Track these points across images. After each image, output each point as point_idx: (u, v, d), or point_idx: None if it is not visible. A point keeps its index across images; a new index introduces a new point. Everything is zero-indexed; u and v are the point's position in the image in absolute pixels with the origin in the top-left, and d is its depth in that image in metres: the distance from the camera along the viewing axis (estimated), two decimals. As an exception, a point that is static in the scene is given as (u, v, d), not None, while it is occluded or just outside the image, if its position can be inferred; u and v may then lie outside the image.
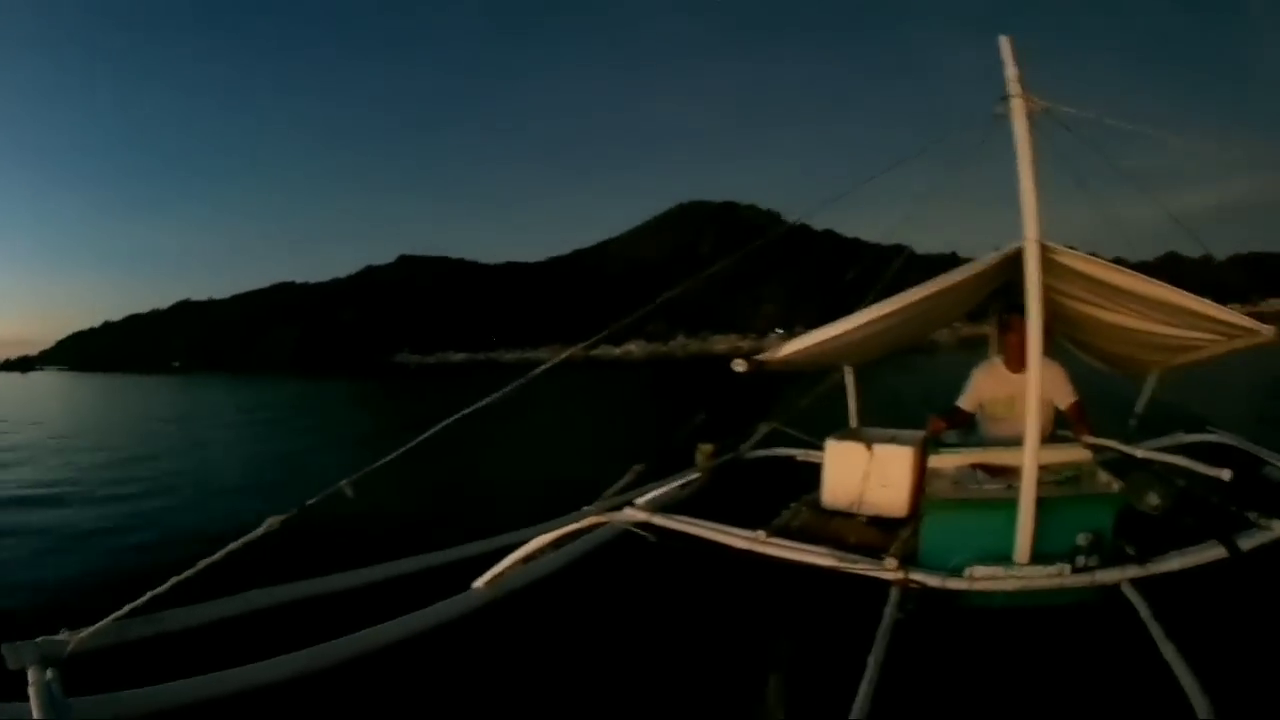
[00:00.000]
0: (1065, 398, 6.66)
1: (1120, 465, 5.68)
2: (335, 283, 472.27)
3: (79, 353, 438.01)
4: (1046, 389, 6.18)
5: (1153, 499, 5.42)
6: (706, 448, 7.59)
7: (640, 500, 6.29)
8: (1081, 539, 4.66)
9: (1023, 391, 5.13)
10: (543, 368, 5.45)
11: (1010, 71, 4.86)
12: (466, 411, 4.98)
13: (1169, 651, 3.77)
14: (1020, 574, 4.60)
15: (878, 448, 6.19)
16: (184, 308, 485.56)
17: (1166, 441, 8.67)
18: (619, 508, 5.65)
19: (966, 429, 7.22)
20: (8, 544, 12.04)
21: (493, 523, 6.14)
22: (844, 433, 6.81)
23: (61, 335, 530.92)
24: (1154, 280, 5.22)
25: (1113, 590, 4.53)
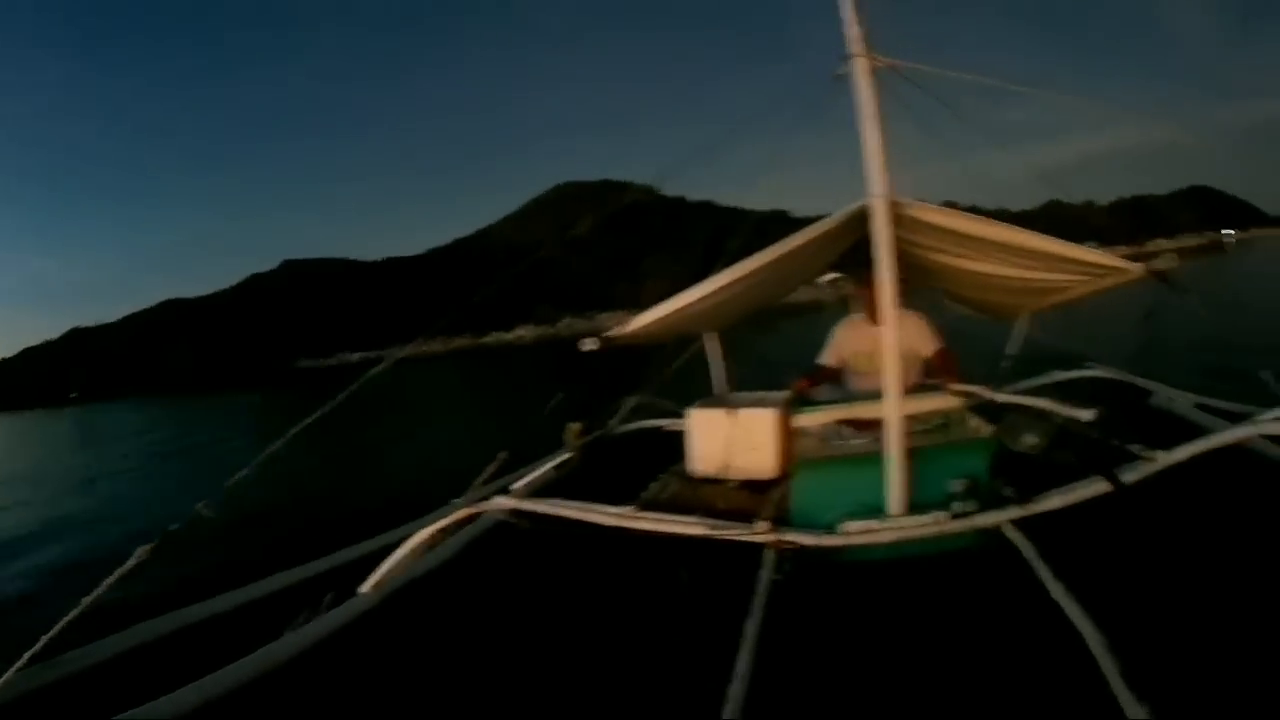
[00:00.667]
0: (928, 346, 6.76)
1: (996, 408, 5.73)
2: (221, 294, 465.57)
3: None
4: (908, 340, 6.31)
5: (1029, 439, 5.36)
6: (574, 426, 7.55)
7: (519, 484, 6.29)
8: (956, 485, 4.68)
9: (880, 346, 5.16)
10: (379, 367, 5.54)
11: (853, 30, 4.81)
12: (311, 419, 4.94)
13: (1057, 590, 3.79)
14: (896, 525, 4.62)
15: (741, 412, 6.17)
16: (76, 335, 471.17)
17: (1043, 380, 8.83)
18: (488, 497, 5.63)
19: (835, 385, 7.23)
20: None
21: (373, 523, 6.04)
22: (707, 400, 6.79)
23: None
24: (1011, 226, 5.30)
25: (996, 533, 4.54)
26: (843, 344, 7.11)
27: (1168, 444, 4.94)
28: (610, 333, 5.96)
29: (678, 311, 5.97)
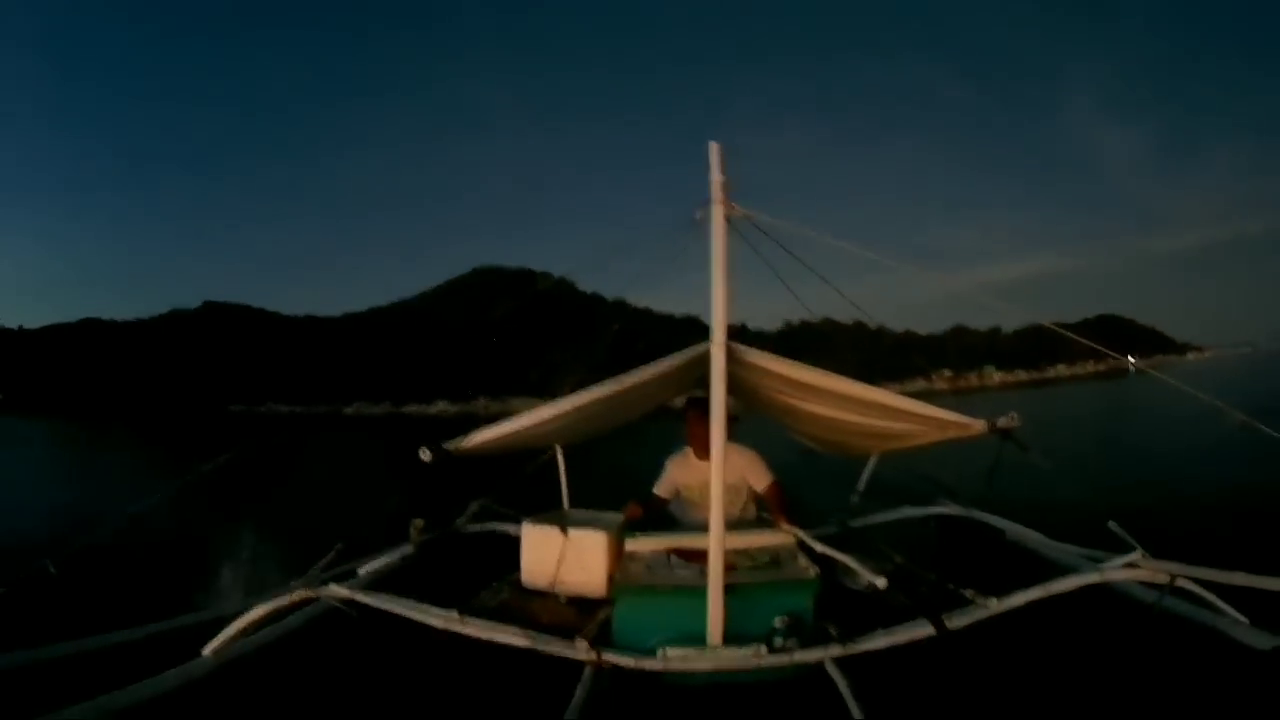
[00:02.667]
0: (760, 480, 6.88)
1: (841, 541, 5.85)
2: (143, 323, 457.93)
3: None
4: (739, 473, 6.62)
5: (862, 579, 5.54)
6: (418, 522, 7.50)
7: (361, 571, 6.39)
8: (778, 622, 4.75)
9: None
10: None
11: (715, 177, 4.96)
12: (184, 480, 5.01)
13: None
14: (714, 655, 4.67)
15: (573, 532, 6.23)
16: None
17: (892, 515, 8.94)
18: (325, 583, 5.60)
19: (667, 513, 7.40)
20: None
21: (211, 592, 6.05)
22: (542, 516, 6.77)
23: None
24: (845, 379, 5.44)
25: (817, 668, 4.55)
26: (675, 475, 7.26)
27: (1013, 582, 5.04)
28: (449, 444, 5.96)
29: (523, 429, 6.06)
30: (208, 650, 4.99)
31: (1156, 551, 5.19)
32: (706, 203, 4.99)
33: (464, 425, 6.11)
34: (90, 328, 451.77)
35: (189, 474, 5.66)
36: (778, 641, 4.69)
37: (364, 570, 6.43)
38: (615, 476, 9.10)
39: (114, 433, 59.87)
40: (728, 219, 4.96)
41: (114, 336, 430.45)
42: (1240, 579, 4.75)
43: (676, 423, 7.44)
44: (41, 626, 5.06)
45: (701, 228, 5.03)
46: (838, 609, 5.16)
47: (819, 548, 5.71)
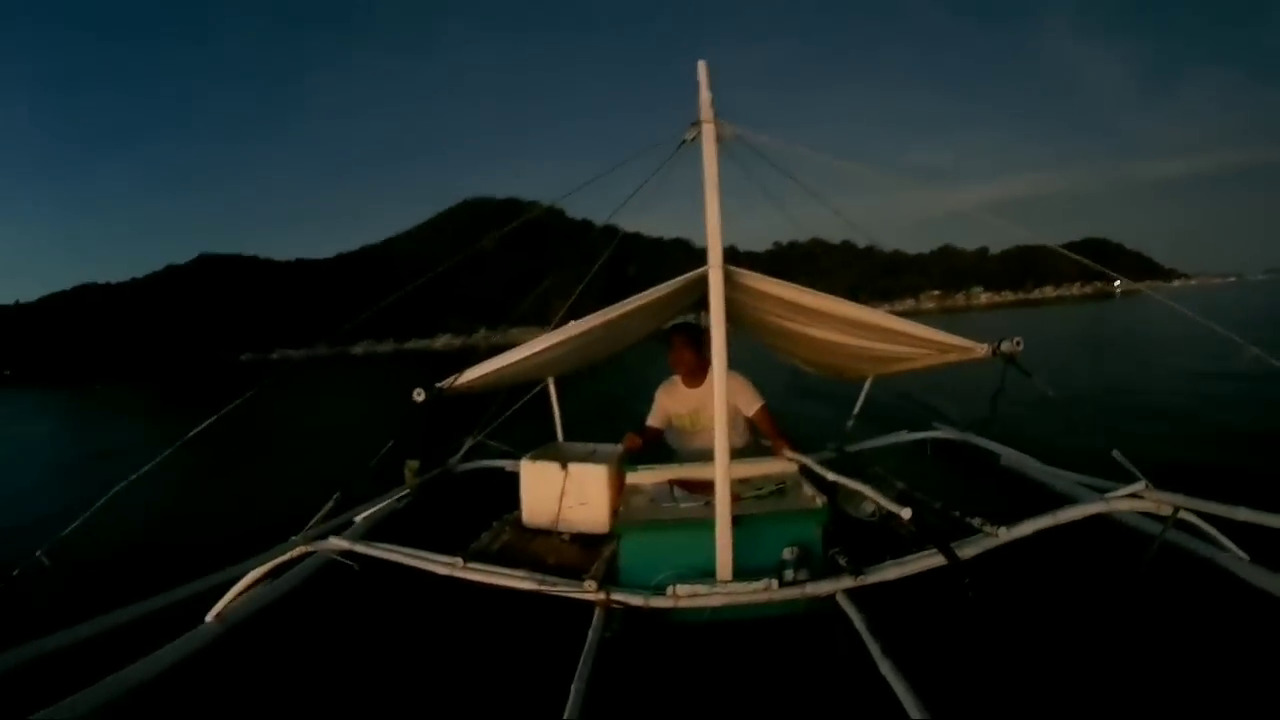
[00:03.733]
0: (749, 406, 6.75)
1: (838, 467, 5.70)
2: (138, 282, 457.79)
3: None
4: (730, 400, 6.26)
5: (868, 506, 5.50)
6: (413, 464, 7.24)
7: (358, 519, 6.27)
8: (787, 553, 4.60)
9: (703, 404, 5.14)
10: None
11: (704, 96, 4.76)
12: (182, 440, 4.93)
13: (883, 663, 3.71)
14: (724, 590, 4.50)
15: (573, 466, 6.09)
16: None
17: (890, 440, 8.90)
18: (324, 536, 5.47)
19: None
20: None
21: (219, 552, 5.93)
22: (540, 451, 6.68)
23: None
24: (845, 301, 5.30)
25: (828, 601, 4.46)
26: (665, 405, 7.11)
27: (1014, 510, 4.90)
28: (442, 383, 5.79)
29: (516, 363, 5.89)
30: (211, 615, 4.90)
31: (1159, 483, 5.06)
32: (696, 123, 4.78)
33: (467, 358, 5.96)
34: (87, 293, 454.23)
35: (182, 438, 5.48)
36: (788, 574, 4.55)
37: (361, 518, 6.32)
38: (603, 404, 8.95)
39: (122, 396, 59.24)
40: (719, 139, 4.74)
41: (111, 299, 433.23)
42: (1244, 514, 4.65)
43: (658, 346, 7.29)
44: (42, 618, 4.92)
45: (691, 149, 4.83)
46: (843, 538, 4.99)
47: (829, 475, 5.53)
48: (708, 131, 4.72)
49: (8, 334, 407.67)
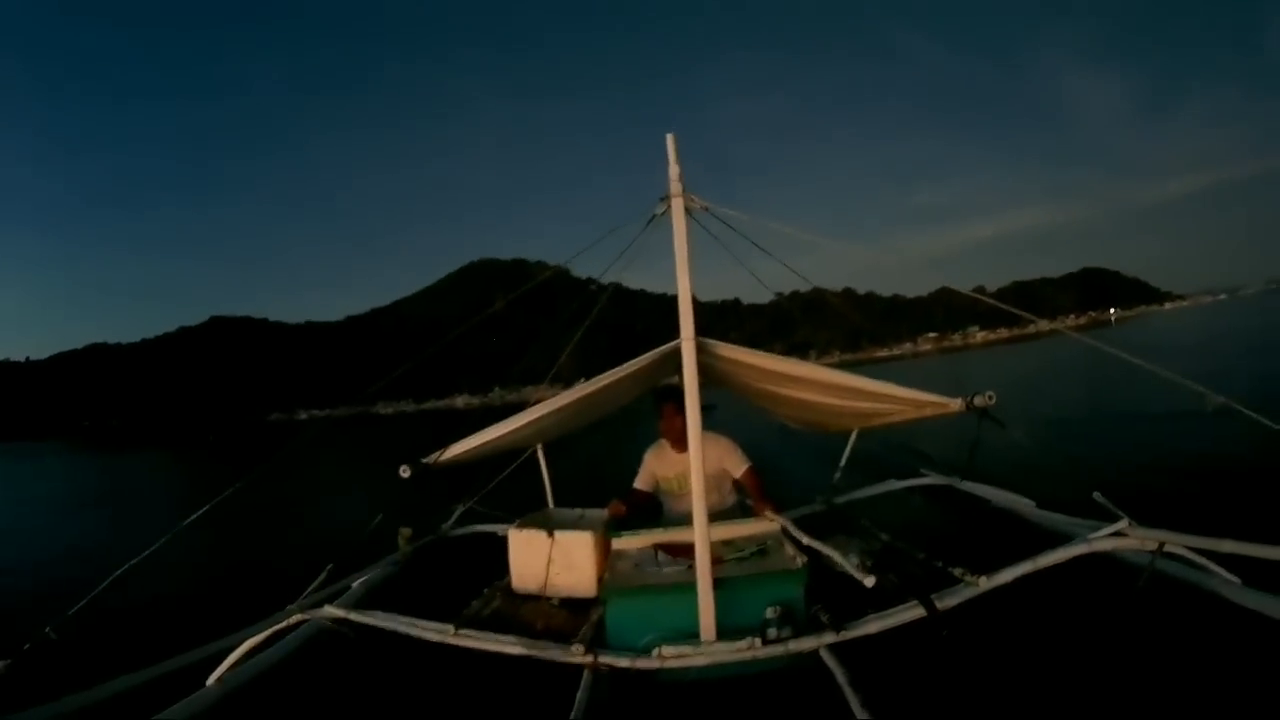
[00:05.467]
0: (737, 468, 6.72)
1: (825, 519, 5.69)
2: (146, 343, 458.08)
3: None
4: (717, 462, 6.47)
5: (853, 559, 5.34)
6: (406, 531, 7.42)
7: (354, 585, 6.25)
8: (770, 612, 4.58)
9: (688, 468, 5.15)
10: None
11: (672, 170, 4.82)
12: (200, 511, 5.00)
13: (864, 717, 3.69)
14: (708, 650, 4.51)
15: (559, 534, 6.09)
16: (2, 368, 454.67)
17: (878, 489, 8.85)
18: (319, 604, 5.52)
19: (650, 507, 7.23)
20: None
21: (216, 623, 5.93)
22: (528, 518, 6.67)
23: None
24: (816, 366, 5.53)
25: (811, 657, 4.44)
26: (653, 468, 7.09)
27: (1000, 553, 4.90)
28: (428, 458, 5.85)
29: (500, 437, 5.95)
30: (211, 680, 4.87)
31: (1141, 517, 5.07)
32: (665, 197, 4.86)
33: (487, 416, 5.99)
34: (97, 352, 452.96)
35: (200, 509, 5.55)
36: (771, 632, 4.52)
37: (356, 584, 6.31)
38: (595, 468, 8.93)
39: (144, 456, 59.12)
40: (687, 211, 4.81)
41: (122, 359, 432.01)
42: (1229, 546, 4.61)
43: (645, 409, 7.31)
44: (48, 692, 4.94)
45: (663, 220, 4.89)
46: (827, 592, 4.97)
47: (804, 539, 5.53)
48: (676, 206, 4.79)
49: (21, 389, 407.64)
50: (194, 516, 5.53)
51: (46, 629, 4.84)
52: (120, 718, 4.55)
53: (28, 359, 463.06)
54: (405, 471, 5.56)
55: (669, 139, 4.82)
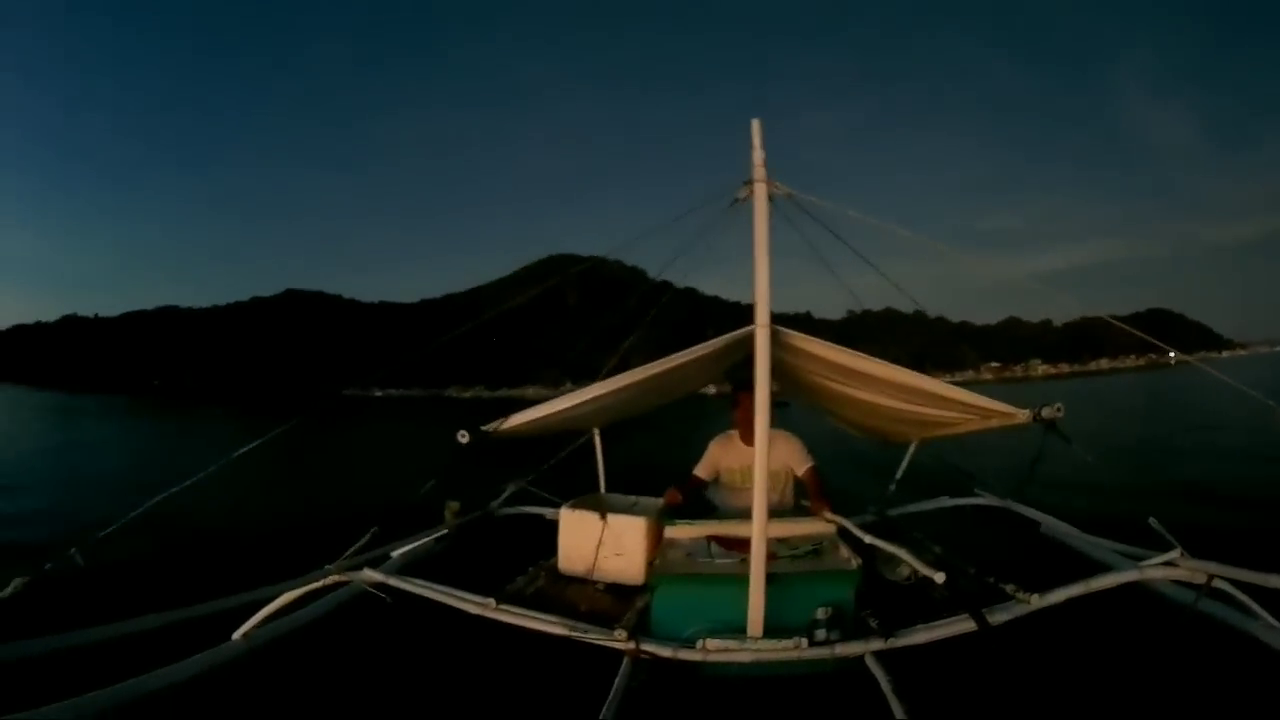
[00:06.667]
0: (800, 465, 6.51)
1: (877, 531, 5.50)
2: (217, 310, 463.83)
3: None
4: (781, 458, 6.27)
5: (904, 570, 5.32)
6: (454, 505, 7.36)
7: (394, 554, 6.16)
8: (820, 613, 4.41)
9: (753, 461, 4.98)
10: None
11: (756, 155, 4.64)
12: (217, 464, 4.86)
13: None
14: (754, 647, 4.32)
15: (612, 517, 5.98)
16: (71, 322, 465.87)
17: (931, 505, 8.68)
18: (359, 567, 5.36)
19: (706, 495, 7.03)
20: None
21: (249, 575, 5.79)
22: (581, 500, 6.57)
23: None
24: (891, 365, 5.18)
25: (856, 662, 4.27)
26: (718, 458, 6.86)
27: (1051, 577, 4.70)
28: (488, 426, 5.65)
29: (562, 411, 5.76)
30: (238, 634, 4.79)
31: (1194, 550, 4.86)
32: (749, 181, 4.66)
33: None
34: (169, 314, 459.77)
35: (235, 451, 5.42)
36: (819, 634, 4.35)
37: (397, 553, 6.22)
38: (649, 460, 8.77)
39: (211, 416, 59.95)
40: (770, 198, 4.61)
41: (193, 322, 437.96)
42: (1278, 582, 4.41)
43: (702, 404, 7.11)
44: (69, 618, 4.81)
45: (744, 207, 4.68)
46: (876, 600, 4.81)
47: (866, 538, 5.32)
48: (759, 190, 4.60)
49: (89, 345, 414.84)
50: (241, 451, 5.40)
51: (71, 550, 4.72)
52: (137, 659, 4.32)
53: (96, 315, 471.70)
54: (464, 437, 5.41)
55: (754, 124, 4.64)
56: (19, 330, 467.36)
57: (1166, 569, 4.77)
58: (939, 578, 4.54)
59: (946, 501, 8.88)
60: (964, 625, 4.36)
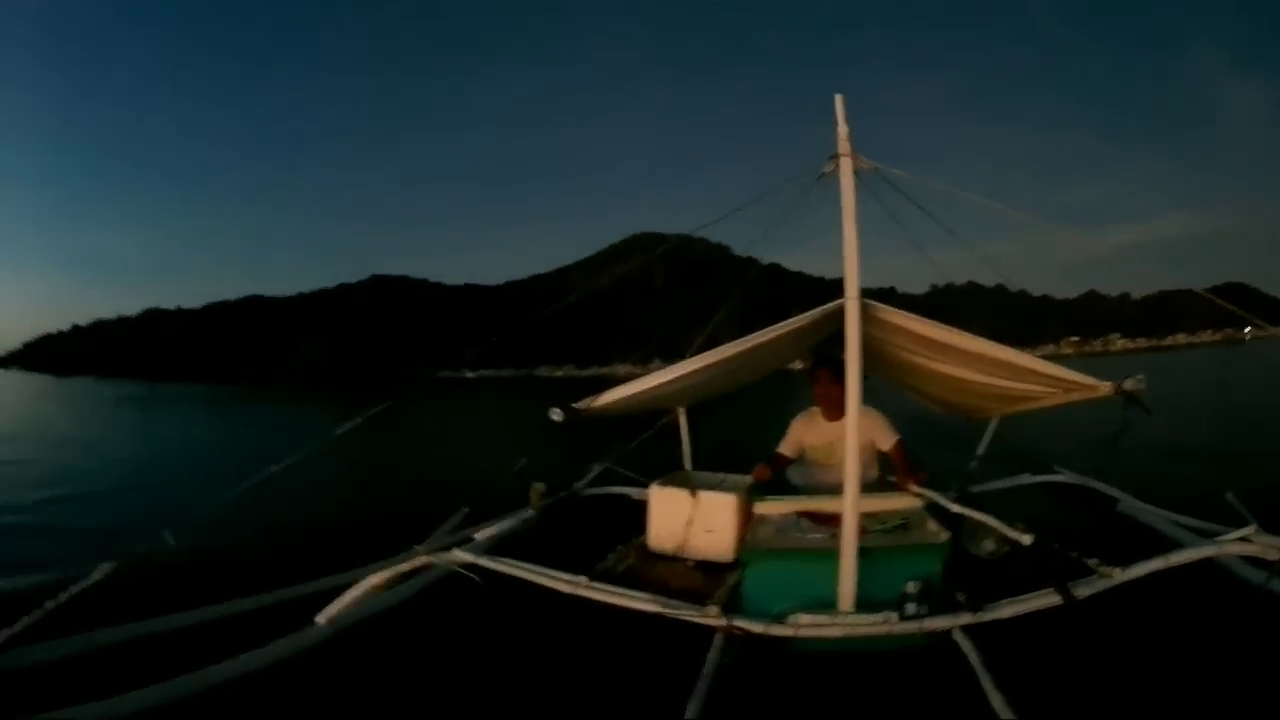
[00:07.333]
0: (886, 440, 6.43)
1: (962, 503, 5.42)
2: (303, 298, 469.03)
3: (47, 356, 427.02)
4: (866, 433, 6.14)
5: (989, 544, 5.23)
6: (539, 486, 7.27)
7: (479, 536, 6.09)
8: (910, 587, 4.33)
9: (840, 438, 4.91)
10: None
11: (841, 130, 4.61)
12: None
13: (996, 700, 3.47)
14: (846, 622, 4.27)
15: (702, 494, 5.92)
16: (154, 316, 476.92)
17: (1011, 482, 8.55)
18: (448, 548, 5.36)
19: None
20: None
21: (337, 559, 5.80)
22: (670, 477, 6.53)
23: (27, 338, 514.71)
24: (979, 338, 5.13)
25: (944, 636, 4.19)
26: (801, 435, 6.77)
27: (1129, 553, 4.60)
28: (579, 404, 5.73)
29: (649, 389, 5.76)
30: (323, 618, 4.79)
31: (1271, 527, 4.75)
32: (834, 156, 4.62)
33: None
34: (253, 304, 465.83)
35: (326, 435, 5.43)
36: (909, 608, 4.28)
37: (483, 535, 6.17)
38: (734, 437, 8.71)
39: (313, 399, 60.62)
40: (856, 172, 4.57)
41: (278, 311, 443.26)
42: None
43: (785, 381, 7.04)
44: (160, 599, 4.86)
45: (829, 182, 4.63)
46: (962, 574, 4.76)
47: (954, 508, 5.24)
48: (845, 164, 4.56)
49: (168, 336, 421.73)
50: (339, 431, 5.39)
51: (164, 532, 4.75)
52: (227, 643, 4.29)
53: (178, 308, 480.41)
54: (556, 414, 5.40)
55: (837, 99, 4.64)
56: (100, 326, 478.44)
57: (1241, 544, 4.67)
58: (1026, 539, 4.54)
59: (1027, 479, 8.72)
60: (1049, 599, 4.27)
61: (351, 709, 4.37)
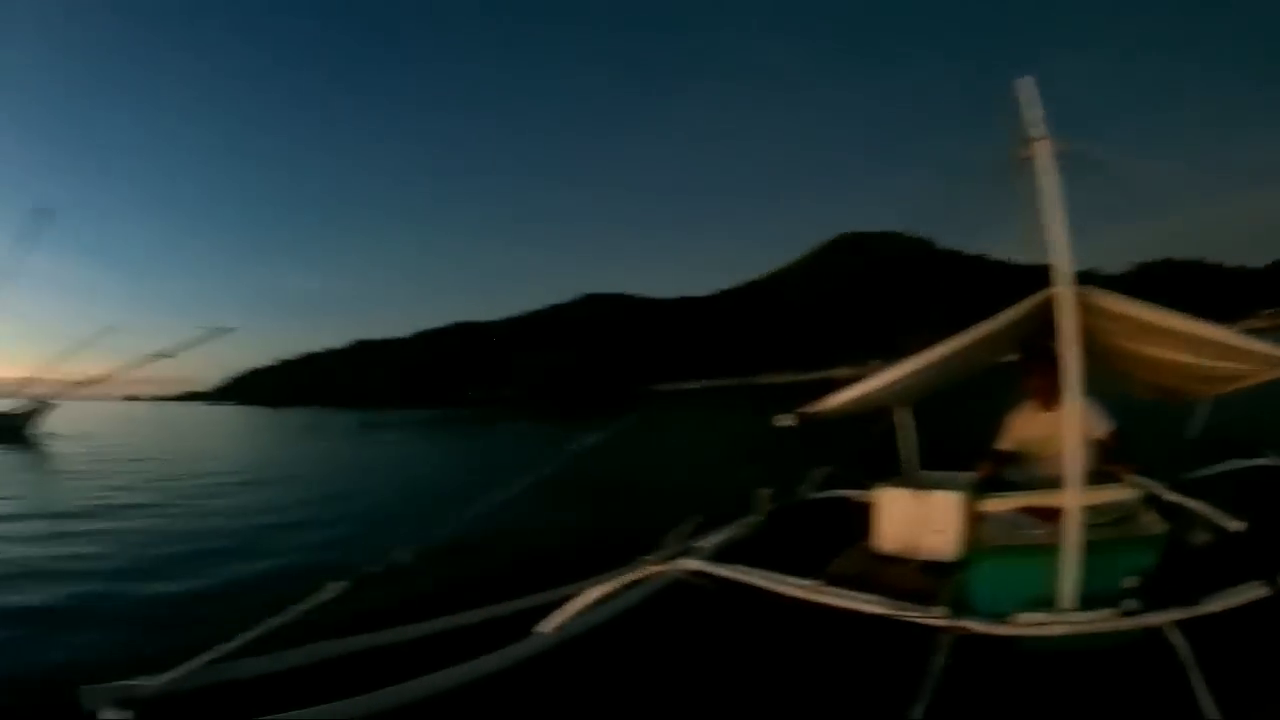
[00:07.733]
0: (1101, 428, 6.15)
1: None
2: (513, 320, 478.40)
3: (256, 388, 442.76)
4: (1084, 424, 5.87)
5: (1201, 535, 5.13)
6: (765, 492, 7.40)
7: (706, 543, 6.17)
8: (1129, 581, 4.29)
9: (1057, 429, 4.79)
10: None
11: (1033, 113, 4.52)
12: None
13: (1206, 701, 3.44)
14: (1069, 619, 4.18)
15: (928, 494, 5.95)
16: (362, 346, 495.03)
17: (1219, 469, 8.19)
18: (676, 557, 5.43)
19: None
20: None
21: (563, 571, 5.93)
22: (895, 479, 6.52)
23: (223, 376, 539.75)
24: (1197, 320, 4.89)
25: (1156, 633, 4.10)
26: (1017, 430, 6.57)
27: None
28: (808, 408, 5.87)
29: (873, 390, 5.85)
30: (549, 626, 4.91)
31: None
32: (1028, 139, 4.53)
33: None
34: (463, 330, 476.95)
35: (575, 447, 5.60)
36: (1129, 603, 4.17)
37: (710, 542, 6.26)
38: (954, 433, 8.55)
39: (516, 420, 62.14)
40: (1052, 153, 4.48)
41: (489, 335, 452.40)
42: None
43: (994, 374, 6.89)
44: (398, 612, 5.09)
45: (1025, 167, 4.56)
46: (1173, 567, 4.61)
47: (1171, 497, 5.07)
48: (1041, 148, 4.48)
49: (378, 365, 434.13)
50: (576, 450, 5.57)
51: (395, 550, 4.98)
52: (452, 652, 4.48)
53: (386, 339, 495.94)
54: (789, 420, 5.56)
55: (1022, 84, 4.57)
56: (311, 359, 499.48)
57: None
58: (1234, 525, 4.59)
59: (1235, 464, 8.37)
60: (1259, 591, 4.13)
61: (579, 715, 4.48)
